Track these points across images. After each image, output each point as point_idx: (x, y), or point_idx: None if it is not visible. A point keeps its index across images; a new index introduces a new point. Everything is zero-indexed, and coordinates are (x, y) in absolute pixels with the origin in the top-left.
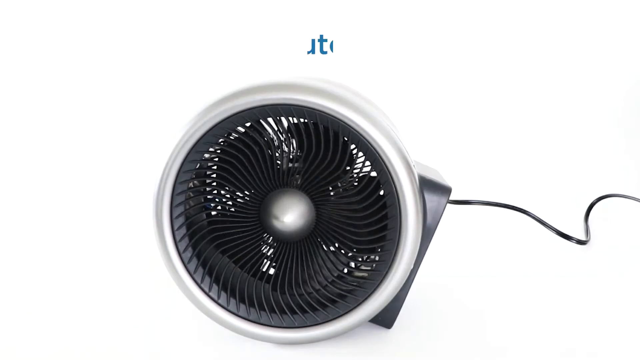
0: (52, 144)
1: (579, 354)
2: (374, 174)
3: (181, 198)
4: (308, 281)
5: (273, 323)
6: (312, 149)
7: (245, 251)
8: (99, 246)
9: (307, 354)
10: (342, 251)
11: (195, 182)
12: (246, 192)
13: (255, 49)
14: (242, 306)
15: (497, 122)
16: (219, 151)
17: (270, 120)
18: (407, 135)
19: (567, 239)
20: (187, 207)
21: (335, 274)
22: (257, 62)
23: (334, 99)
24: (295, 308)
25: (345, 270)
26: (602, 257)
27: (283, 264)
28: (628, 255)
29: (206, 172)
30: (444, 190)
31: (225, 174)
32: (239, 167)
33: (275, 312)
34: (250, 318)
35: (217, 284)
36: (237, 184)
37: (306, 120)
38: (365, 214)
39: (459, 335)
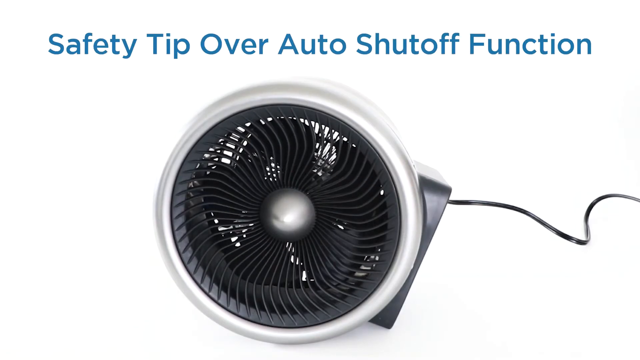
0: (52, 144)
1: (579, 354)
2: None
3: (181, 198)
4: (330, 260)
5: (273, 323)
6: (279, 146)
7: (272, 271)
8: (99, 246)
9: (307, 354)
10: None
11: (195, 182)
12: (244, 202)
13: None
14: (242, 306)
15: (497, 122)
16: (218, 151)
17: (269, 119)
18: (407, 135)
19: (567, 239)
20: (187, 207)
21: (352, 250)
22: (256, 62)
23: (334, 99)
24: (295, 308)
25: (360, 255)
26: (602, 257)
27: (304, 262)
28: (628, 255)
29: (206, 172)
30: (444, 190)
31: (215, 202)
32: (225, 191)
33: (275, 312)
34: (250, 318)
35: (217, 284)
36: (232, 201)
37: (265, 123)
38: (359, 190)
39: (459, 335)
